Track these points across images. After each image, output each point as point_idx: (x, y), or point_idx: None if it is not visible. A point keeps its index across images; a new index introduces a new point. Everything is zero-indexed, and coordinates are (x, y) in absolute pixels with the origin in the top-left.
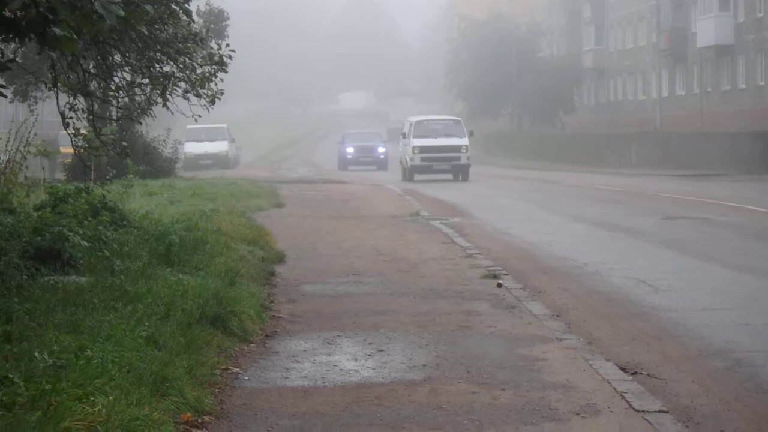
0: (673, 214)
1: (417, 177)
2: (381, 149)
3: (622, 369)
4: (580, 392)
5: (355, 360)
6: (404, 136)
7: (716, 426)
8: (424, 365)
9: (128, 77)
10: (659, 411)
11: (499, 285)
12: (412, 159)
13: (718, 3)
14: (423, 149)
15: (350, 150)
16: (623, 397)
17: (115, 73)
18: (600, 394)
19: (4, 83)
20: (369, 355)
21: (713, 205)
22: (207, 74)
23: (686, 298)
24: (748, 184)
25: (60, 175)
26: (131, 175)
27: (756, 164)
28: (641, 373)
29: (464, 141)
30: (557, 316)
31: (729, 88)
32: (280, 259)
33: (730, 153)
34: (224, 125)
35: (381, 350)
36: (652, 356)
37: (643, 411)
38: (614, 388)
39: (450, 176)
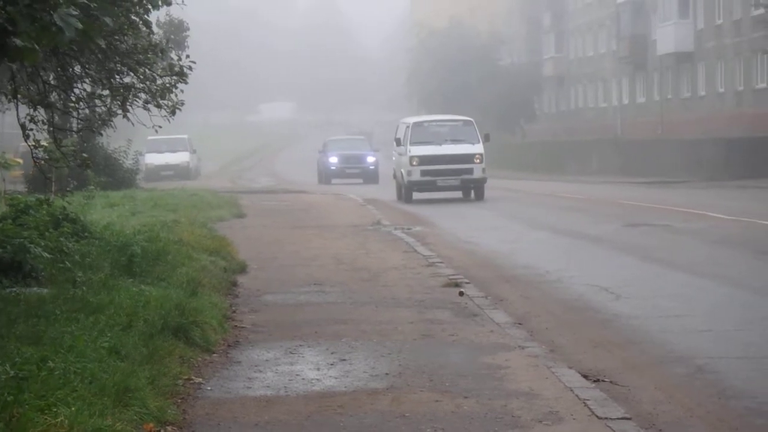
0: (635, 222)
1: (417, 195)
2: (370, 158)
3: (585, 376)
4: (543, 400)
5: (318, 369)
6: (399, 142)
7: (678, 431)
8: (386, 374)
9: (89, 88)
10: (622, 418)
11: (461, 293)
12: (409, 173)
13: (678, 10)
14: (424, 160)
15: (334, 160)
16: (586, 405)
17: (75, 84)
18: (563, 402)
19: None
20: (331, 364)
21: (674, 212)
22: (167, 85)
23: (648, 305)
24: (709, 190)
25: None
26: (92, 187)
27: (716, 171)
28: (604, 381)
29: (478, 148)
30: (519, 324)
31: (689, 95)
32: (242, 269)
33: (690, 160)
34: (185, 136)
35: (343, 359)
36: (615, 363)
37: (606, 418)
38: (577, 396)
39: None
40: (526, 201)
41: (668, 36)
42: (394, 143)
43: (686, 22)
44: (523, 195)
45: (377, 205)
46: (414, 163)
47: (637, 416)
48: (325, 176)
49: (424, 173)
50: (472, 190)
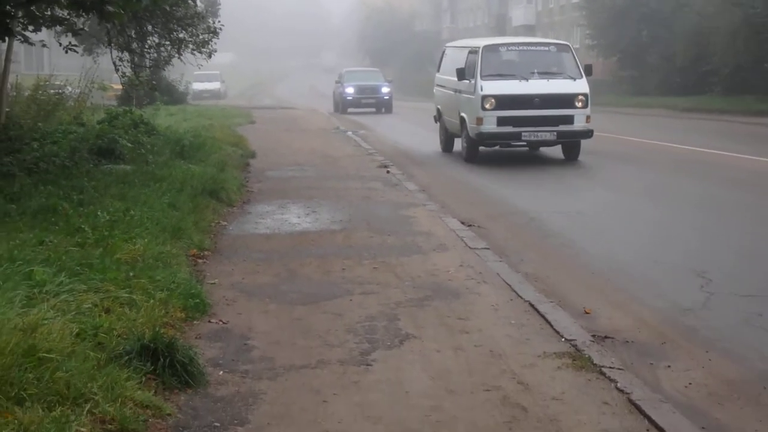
0: None
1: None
2: (385, 89)
3: (462, 223)
4: (436, 237)
5: (299, 217)
6: (462, 75)
7: (519, 256)
8: (341, 221)
9: (156, 40)
10: (484, 248)
11: (388, 172)
12: (479, 120)
13: None
14: (503, 102)
15: (350, 90)
16: (462, 240)
17: (147, 37)
18: (448, 238)
19: (77, 43)
20: (307, 214)
21: None
22: (206, 39)
23: (503, 180)
24: None
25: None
26: (158, 103)
27: None
28: (474, 225)
29: (581, 85)
30: (423, 190)
31: None
32: (252, 155)
33: None
34: (218, 72)
35: (315, 212)
36: (480, 215)
37: (474, 248)
38: (457, 234)
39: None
40: (428, 115)
41: (519, 14)
42: (455, 76)
43: (531, 5)
44: (424, 112)
45: (337, 117)
46: (488, 105)
47: (494, 247)
48: (342, 106)
49: (502, 121)
50: (571, 147)
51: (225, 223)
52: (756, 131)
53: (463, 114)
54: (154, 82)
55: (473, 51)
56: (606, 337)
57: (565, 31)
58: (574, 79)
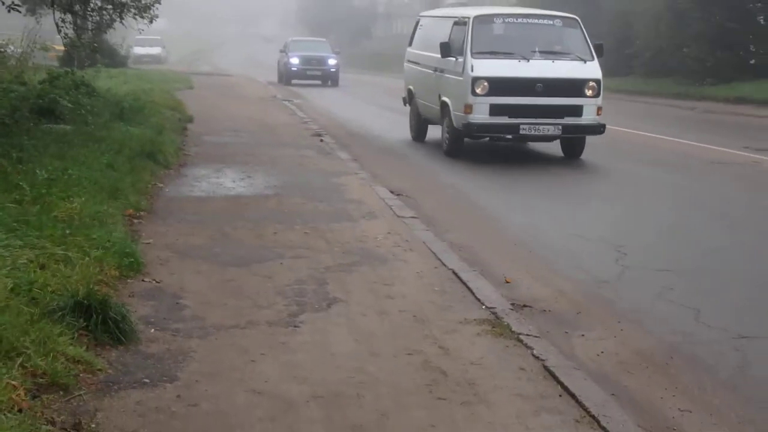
0: None
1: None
2: (332, 61)
3: (392, 192)
4: (366, 205)
5: (233, 182)
6: (446, 51)
7: (445, 226)
8: (274, 186)
9: (99, 3)
10: (412, 217)
11: (322, 140)
12: (469, 108)
13: None
14: (497, 85)
15: (295, 61)
16: (391, 209)
17: (90, 0)
18: (378, 207)
19: (20, 3)
20: (242, 179)
21: None
22: (148, 4)
23: (429, 153)
24: None
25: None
26: (100, 65)
27: None
28: (403, 195)
29: (592, 69)
30: (355, 160)
31: None
32: (190, 120)
33: None
34: (159, 37)
35: (249, 176)
36: (410, 185)
37: (403, 216)
38: (386, 203)
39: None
40: (366, 88)
41: None
42: (433, 51)
43: None
44: (364, 84)
45: (275, 86)
46: (479, 90)
47: (422, 216)
48: (286, 77)
49: (495, 110)
50: (575, 146)
51: (161, 185)
52: (675, 113)
53: (445, 98)
54: (95, 45)
55: (460, 22)
56: (525, 305)
57: (493, 4)
58: (585, 62)
